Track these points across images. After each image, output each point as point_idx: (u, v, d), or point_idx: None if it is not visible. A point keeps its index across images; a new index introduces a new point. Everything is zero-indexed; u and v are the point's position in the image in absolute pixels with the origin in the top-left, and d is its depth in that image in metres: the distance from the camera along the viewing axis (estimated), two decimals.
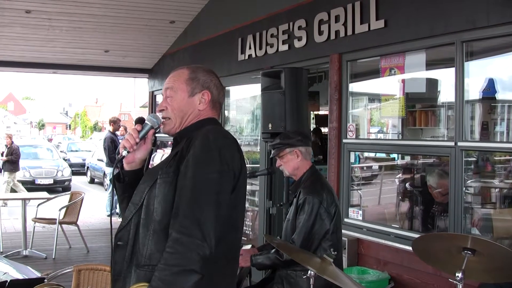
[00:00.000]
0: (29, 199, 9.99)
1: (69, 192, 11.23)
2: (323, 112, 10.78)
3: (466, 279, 3.22)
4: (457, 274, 3.12)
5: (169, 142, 10.65)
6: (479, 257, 3.18)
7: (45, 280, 4.07)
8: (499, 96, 5.57)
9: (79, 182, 23.52)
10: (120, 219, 2.70)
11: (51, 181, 20.89)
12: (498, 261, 3.23)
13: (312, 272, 3.62)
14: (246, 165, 8.85)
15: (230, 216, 2.59)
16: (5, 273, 4.20)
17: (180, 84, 2.87)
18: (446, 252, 3.34)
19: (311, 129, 10.74)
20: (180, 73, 2.92)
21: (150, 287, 2.42)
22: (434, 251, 3.46)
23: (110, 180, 13.90)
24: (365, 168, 7.70)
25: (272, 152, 4.72)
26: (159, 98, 13.93)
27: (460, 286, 3.11)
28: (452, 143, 5.27)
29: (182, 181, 2.55)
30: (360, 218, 6.45)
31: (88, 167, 25.34)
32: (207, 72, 2.93)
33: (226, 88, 9.41)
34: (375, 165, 7.91)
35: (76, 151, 32.75)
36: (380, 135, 7.52)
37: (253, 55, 8.38)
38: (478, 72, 5.49)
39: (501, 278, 3.62)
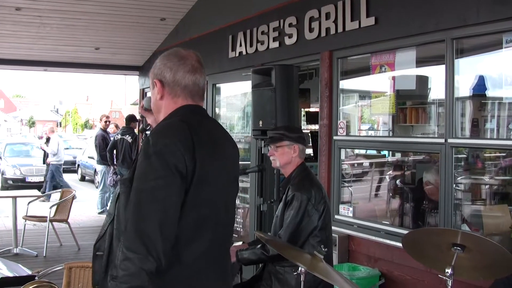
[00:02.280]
0: (20, 197, 9.95)
1: (59, 190, 11.21)
2: (314, 109, 10.78)
3: (455, 276, 3.24)
4: (446, 270, 3.13)
5: None
6: (469, 254, 3.19)
7: (36, 278, 4.06)
8: (490, 93, 5.59)
9: (70, 180, 23.44)
10: None
11: (41, 179, 20.80)
12: (488, 258, 3.24)
13: (302, 269, 3.63)
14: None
15: (191, 217, 2.48)
16: None
17: (150, 80, 2.81)
18: (436, 249, 3.35)
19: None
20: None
21: None
22: (424, 247, 3.47)
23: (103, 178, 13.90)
24: (356, 165, 7.71)
25: (268, 139, 4.73)
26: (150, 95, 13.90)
27: (450, 282, 3.12)
28: (442, 140, 5.30)
29: (131, 194, 2.49)
30: (351, 214, 6.47)
31: (79, 165, 25.28)
32: (165, 55, 2.77)
33: (217, 85, 9.41)
34: (366, 162, 7.93)
35: (67, 148, 32.63)
36: (371, 132, 7.54)
37: (244, 53, 8.38)
38: (469, 69, 5.51)
39: (491, 275, 3.64)
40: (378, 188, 7.61)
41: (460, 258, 3.18)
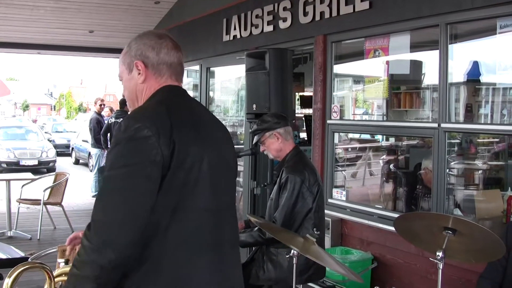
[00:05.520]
0: (13, 180, 9.94)
1: (53, 173, 11.20)
2: (308, 93, 10.79)
3: (447, 259, 3.26)
4: (437, 253, 3.15)
5: None
6: (460, 237, 3.21)
7: (29, 260, 4.07)
8: (484, 78, 5.60)
9: (64, 163, 23.43)
10: None
11: (35, 162, 20.81)
12: (478, 242, 3.26)
13: (295, 252, 3.65)
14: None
15: (169, 203, 2.27)
16: None
17: (121, 65, 2.62)
18: (428, 232, 3.37)
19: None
20: (121, 53, 2.65)
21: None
22: (416, 230, 3.49)
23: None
24: (350, 149, 7.73)
25: (254, 139, 4.77)
26: None
27: (441, 265, 3.14)
28: (436, 125, 5.30)
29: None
30: (344, 198, 6.49)
31: (73, 148, 25.25)
32: (141, 36, 2.59)
33: (211, 69, 9.38)
34: (360, 147, 7.95)
35: (61, 132, 32.61)
36: (365, 117, 7.55)
37: (238, 36, 8.35)
38: (463, 55, 5.51)
39: (481, 258, 3.67)
40: (371, 173, 7.65)
41: (451, 241, 3.20)
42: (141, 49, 2.53)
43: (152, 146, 2.21)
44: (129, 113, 2.46)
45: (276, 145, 4.59)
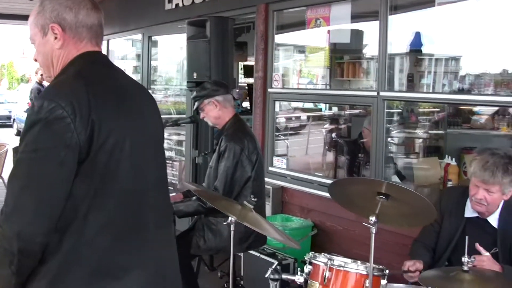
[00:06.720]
0: None
1: None
2: (251, 62, 10.78)
3: (381, 224, 3.32)
4: (370, 218, 3.20)
5: None
6: (393, 202, 3.26)
7: None
8: (425, 49, 5.68)
9: (5, 135, 22.95)
10: None
11: None
12: (411, 207, 3.33)
13: (232, 219, 3.66)
14: (167, 115, 8.60)
15: (88, 187, 2.07)
16: None
17: (33, 27, 2.30)
18: (362, 197, 3.43)
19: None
20: (31, 13, 2.31)
21: None
22: (350, 195, 3.54)
23: None
24: (293, 118, 7.77)
25: (194, 105, 4.76)
26: None
27: (374, 229, 3.19)
28: (375, 93, 5.35)
29: None
30: (285, 166, 6.51)
31: (14, 119, 24.75)
32: None
33: (153, 38, 9.26)
34: (304, 116, 8.00)
35: (2, 103, 31.89)
36: (310, 87, 7.59)
37: (180, 4, 8.23)
38: (405, 26, 5.56)
39: (414, 223, 3.76)
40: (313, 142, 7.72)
41: (384, 206, 3.25)
42: (57, 10, 2.23)
43: (67, 128, 2.00)
44: (43, 91, 2.20)
45: (214, 112, 4.58)
